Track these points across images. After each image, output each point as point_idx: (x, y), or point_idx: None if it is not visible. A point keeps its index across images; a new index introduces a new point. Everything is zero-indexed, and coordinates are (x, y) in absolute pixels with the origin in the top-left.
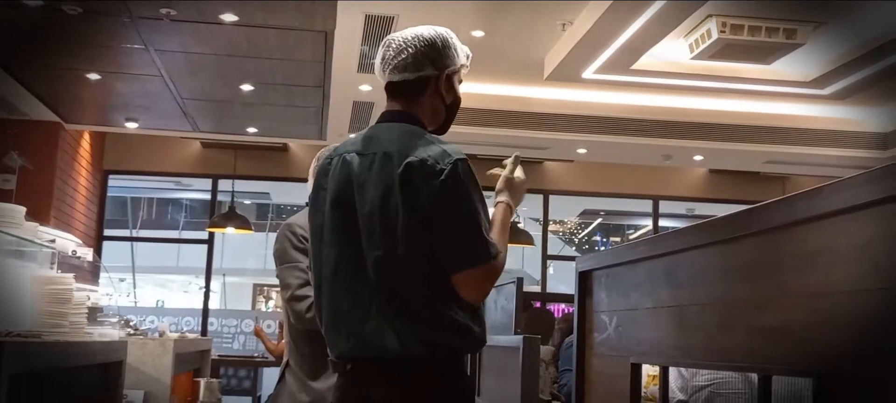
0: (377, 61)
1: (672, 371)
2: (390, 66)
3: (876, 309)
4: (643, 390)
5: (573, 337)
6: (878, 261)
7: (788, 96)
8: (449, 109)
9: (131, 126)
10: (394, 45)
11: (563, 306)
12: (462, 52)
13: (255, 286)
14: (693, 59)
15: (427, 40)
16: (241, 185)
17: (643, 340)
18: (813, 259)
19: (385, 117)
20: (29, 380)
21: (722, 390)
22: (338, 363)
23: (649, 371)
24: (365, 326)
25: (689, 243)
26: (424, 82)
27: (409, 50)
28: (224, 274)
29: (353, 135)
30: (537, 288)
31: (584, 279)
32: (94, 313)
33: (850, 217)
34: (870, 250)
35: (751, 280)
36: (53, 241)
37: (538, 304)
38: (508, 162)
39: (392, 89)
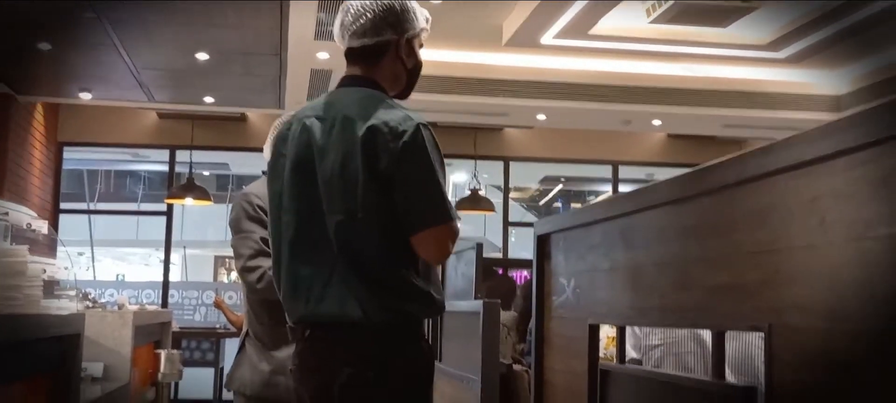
0: (336, 26)
1: (627, 331)
2: (349, 32)
3: (822, 263)
4: (603, 351)
5: None
6: (824, 217)
7: (745, 60)
8: (410, 74)
9: (85, 97)
10: (352, 10)
11: (524, 273)
12: (421, 16)
13: (217, 258)
14: (651, 23)
15: (386, 5)
16: (200, 156)
17: (600, 301)
18: (764, 216)
19: (345, 82)
20: None
21: (674, 349)
22: (296, 329)
23: (608, 332)
24: (325, 292)
25: (643, 204)
26: (384, 47)
27: (368, 15)
28: (184, 247)
29: (311, 101)
30: (499, 255)
31: (543, 242)
32: (51, 286)
33: (800, 173)
34: (817, 205)
35: (705, 238)
36: (7, 214)
37: (501, 271)
38: None
39: (352, 55)
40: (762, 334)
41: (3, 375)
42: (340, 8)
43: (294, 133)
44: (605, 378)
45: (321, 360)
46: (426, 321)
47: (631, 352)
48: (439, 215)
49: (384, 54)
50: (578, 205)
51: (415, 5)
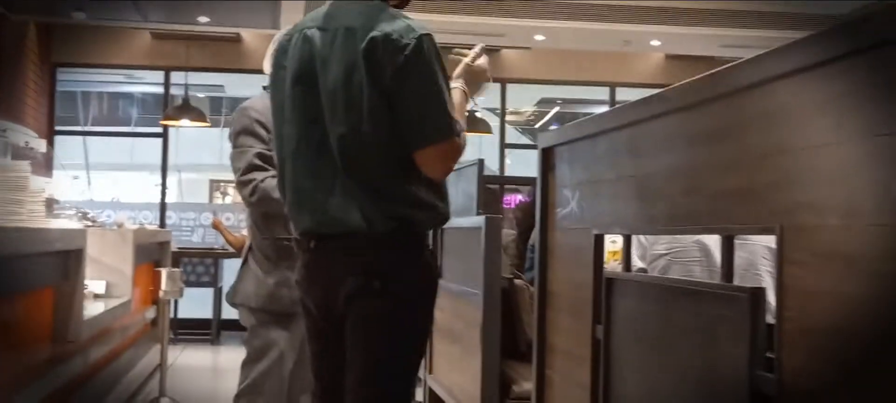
0: None
1: (632, 241)
2: None
3: (835, 163)
4: (604, 265)
5: None
6: (840, 118)
7: None
8: None
9: (79, 16)
10: None
11: (519, 196)
12: None
13: (212, 181)
14: None
15: None
16: (195, 78)
17: (606, 211)
18: (776, 118)
19: None
20: None
21: (679, 258)
22: (301, 240)
23: (609, 248)
24: (329, 203)
25: (651, 112)
26: None
27: None
28: (180, 171)
29: (312, 12)
30: (495, 174)
31: (547, 155)
32: (51, 204)
33: (815, 73)
34: (832, 106)
35: (715, 143)
36: (5, 132)
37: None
38: (473, 50)
39: None
40: (768, 243)
41: (8, 287)
42: None
43: (295, 44)
44: (610, 286)
45: (326, 270)
46: (430, 231)
47: (636, 262)
48: (443, 130)
49: None
50: None
51: None
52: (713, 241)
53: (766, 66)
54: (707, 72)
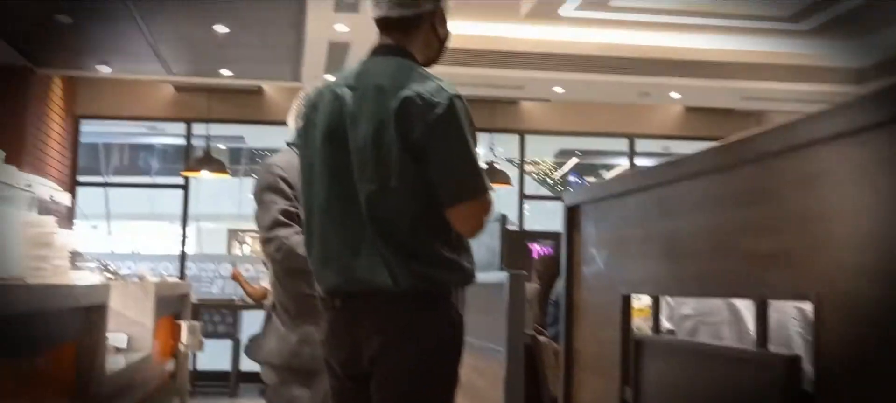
0: None
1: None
2: (388, 2)
3: (877, 228)
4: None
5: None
6: (879, 183)
7: (766, 31)
8: (441, 43)
9: (104, 70)
10: None
11: (537, 247)
12: None
13: (230, 231)
14: None
15: None
16: (216, 129)
17: (634, 271)
18: (813, 181)
19: (377, 51)
20: (12, 324)
21: (707, 320)
22: (327, 298)
23: (635, 305)
24: (356, 261)
25: (682, 173)
26: (421, 17)
27: None
28: (198, 220)
29: (343, 69)
30: (515, 228)
31: (573, 213)
32: (74, 258)
33: (854, 139)
34: (872, 170)
35: (748, 206)
36: (30, 186)
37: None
38: None
39: (387, 24)
40: (799, 304)
41: (32, 344)
42: None
43: (325, 101)
44: (639, 348)
45: (352, 329)
46: (456, 290)
47: (664, 323)
48: (474, 189)
49: (421, 24)
50: (593, 179)
51: None
52: (743, 303)
53: (802, 131)
54: (740, 136)
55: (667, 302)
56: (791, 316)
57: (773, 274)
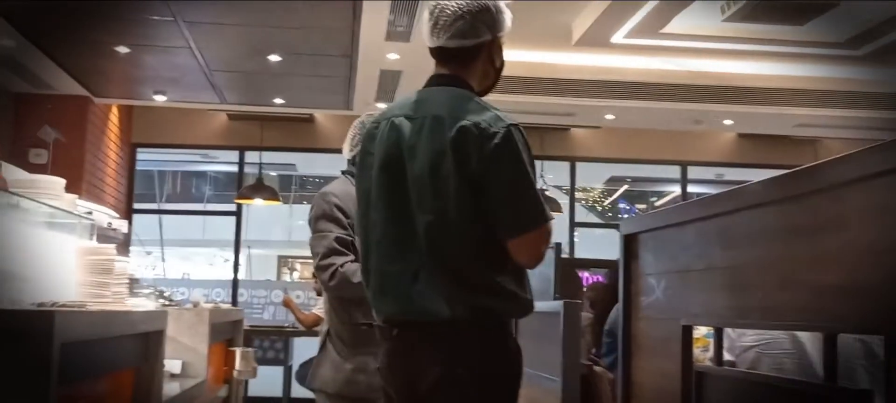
0: (426, 25)
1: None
2: (447, 33)
3: None
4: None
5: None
6: None
7: (821, 58)
8: (497, 72)
9: (160, 99)
10: (449, 11)
11: (585, 274)
12: (508, 15)
13: (280, 257)
14: (724, 21)
15: (482, 5)
16: (267, 157)
17: (695, 302)
18: (882, 214)
19: (434, 81)
20: (75, 350)
21: (769, 350)
22: (384, 328)
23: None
24: (413, 291)
25: (745, 203)
26: (479, 47)
27: (467, 16)
28: (249, 247)
29: (399, 99)
30: (566, 256)
31: (630, 242)
32: (131, 284)
33: None
34: None
35: (814, 237)
36: (90, 213)
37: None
38: None
39: (445, 54)
40: (863, 337)
41: (94, 369)
42: (429, 7)
43: (382, 131)
44: (700, 380)
45: (409, 359)
46: (513, 320)
47: (724, 354)
48: (534, 219)
49: (478, 55)
50: (643, 207)
51: (503, 4)
52: (806, 334)
53: (871, 160)
54: (805, 166)
55: (727, 332)
56: (854, 349)
57: (841, 307)
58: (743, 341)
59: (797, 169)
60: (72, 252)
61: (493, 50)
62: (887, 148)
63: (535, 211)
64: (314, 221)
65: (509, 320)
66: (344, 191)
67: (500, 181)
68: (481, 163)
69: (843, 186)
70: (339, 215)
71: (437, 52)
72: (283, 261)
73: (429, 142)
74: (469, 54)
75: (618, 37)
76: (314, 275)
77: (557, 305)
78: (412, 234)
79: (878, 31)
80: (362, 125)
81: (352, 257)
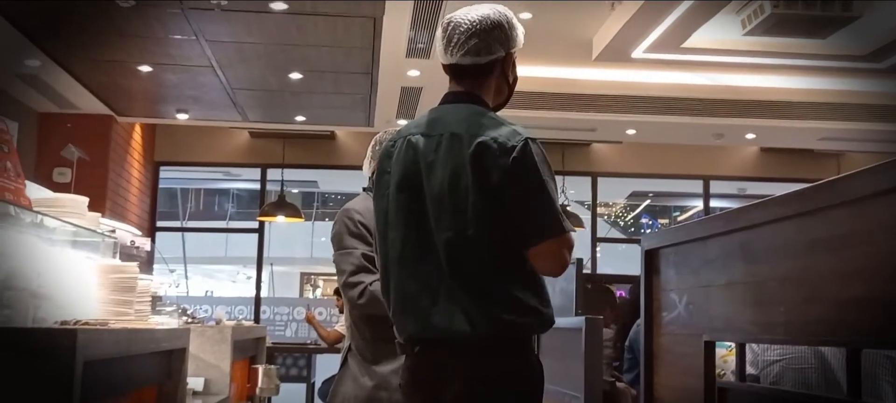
0: (440, 43)
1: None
2: (461, 50)
3: None
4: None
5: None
6: None
7: (844, 71)
8: (511, 88)
9: (182, 117)
10: (462, 28)
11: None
12: (521, 30)
13: (303, 274)
14: (745, 35)
15: (495, 22)
16: (289, 174)
17: (717, 317)
18: None
19: (449, 98)
20: (97, 368)
21: (793, 364)
22: (406, 345)
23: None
24: (434, 308)
25: (767, 217)
26: (493, 64)
27: (480, 33)
28: (271, 263)
29: (415, 117)
30: (588, 272)
31: (651, 257)
32: (154, 302)
33: None
34: None
35: (836, 251)
36: (114, 232)
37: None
38: None
39: (459, 71)
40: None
41: (117, 386)
42: (444, 24)
43: (399, 150)
44: (723, 396)
45: (431, 376)
46: (535, 336)
47: (747, 368)
48: (554, 227)
49: (493, 71)
50: (665, 221)
51: (516, 20)
52: (831, 349)
53: (892, 174)
54: (827, 179)
55: (751, 346)
56: (880, 364)
57: (864, 321)
58: (767, 355)
59: (819, 182)
60: (95, 270)
61: (506, 66)
62: None
63: (554, 219)
64: (338, 238)
65: (530, 336)
66: (366, 207)
67: (520, 192)
68: (501, 178)
69: (866, 200)
70: (364, 231)
71: (451, 69)
72: (306, 278)
73: (447, 160)
74: (483, 71)
75: (638, 51)
76: (336, 292)
77: (579, 321)
78: (432, 252)
79: None
80: (380, 142)
81: (378, 275)
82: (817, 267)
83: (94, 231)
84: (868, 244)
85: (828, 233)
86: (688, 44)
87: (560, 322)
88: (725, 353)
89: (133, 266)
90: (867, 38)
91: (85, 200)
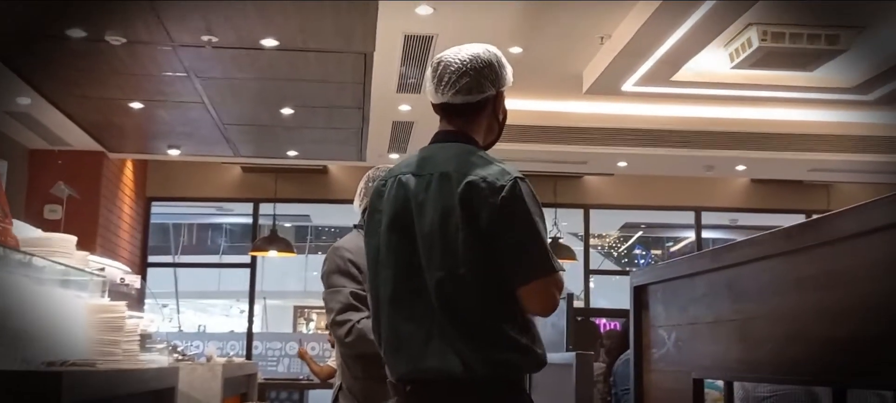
0: (431, 82)
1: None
2: (452, 89)
3: None
4: None
5: (630, 354)
6: None
7: (832, 103)
8: (501, 126)
9: (174, 153)
10: (454, 68)
11: (603, 321)
12: (510, 70)
13: (296, 308)
14: (733, 68)
15: (486, 61)
16: (282, 208)
17: (705, 354)
18: (892, 266)
19: (439, 137)
20: None
21: (784, 400)
22: (397, 385)
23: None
24: (426, 348)
25: (753, 255)
26: (485, 102)
27: (471, 72)
28: (265, 298)
29: (405, 156)
30: (580, 304)
31: (640, 293)
32: (144, 340)
33: None
34: None
35: (823, 290)
36: (103, 270)
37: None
38: None
39: (450, 110)
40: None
41: None
42: (433, 63)
43: (390, 189)
44: None
45: None
46: (527, 375)
47: None
48: (544, 267)
49: (483, 109)
50: (658, 252)
51: (504, 59)
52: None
53: (877, 213)
54: (813, 218)
55: (742, 383)
56: (869, 401)
57: (851, 361)
58: (758, 391)
59: (805, 221)
60: (83, 309)
61: (497, 104)
62: (889, 201)
63: (543, 259)
64: (327, 276)
65: (523, 375)
66: (356, 245)
67: (510, 231)
68: (490, 217)
69: (852, 238)
70: (353, 270)
71: (442, 108)
72: (300, 311)
73: (437, 199)
74: (474, 109)
75: (628, 85)
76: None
77: (570, 357)
78: (423, 291)
79: (888, 75)
80: (371, 179)
81: (367, 313)
82: (803, 305)
83: (83, 270)
84: (854, 283)
85: (814, 272)
86: (677, 77)
87: (551, 357)
88: (717, 397)
89: (121, 305)
90: (854, 70)
91: (73, 239)
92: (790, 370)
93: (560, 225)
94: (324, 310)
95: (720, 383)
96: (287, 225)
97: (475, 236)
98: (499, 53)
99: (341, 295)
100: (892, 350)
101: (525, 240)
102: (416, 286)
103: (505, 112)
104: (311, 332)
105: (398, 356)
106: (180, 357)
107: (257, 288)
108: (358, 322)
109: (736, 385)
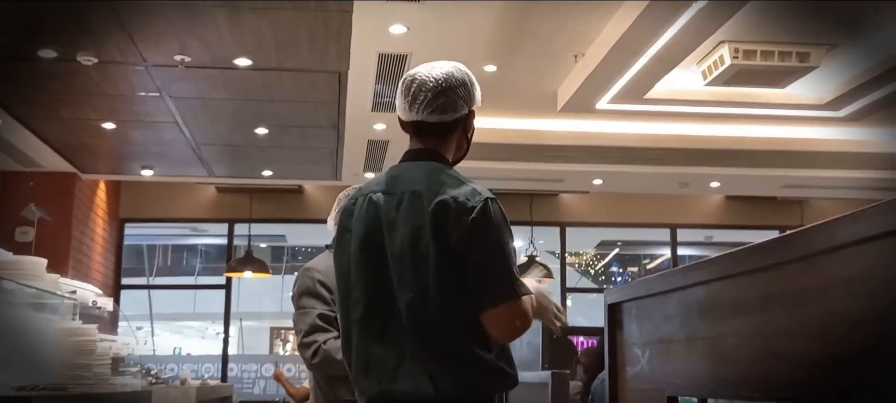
0: (404, 100)
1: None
2: (428, 108)
3: None
4: None
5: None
6: None
7: (804, 119)
8: (469, 142)
9: (147, 173)
10: (429, 86)
11: (580, 338)
12: (479, 89)
13: (272, 329)
14: (707, 85)
15: (460, 80)
16: (257, 228)
17: (678, 372)
18: (861, 283)
19: (409, 156)
20: None
21: None
22: None
23: None
24: (398, 370)
25: (723, 272)
26: (457, 121)
27: (448, 92)
28: (241, 319)
29: (376, 175)
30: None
31: (614, 311)
32: (117, 363)
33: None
34: None
35: (793, 307)
36: (74, 293)
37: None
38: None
39: (423, 128)
40: None
41: None
42: (407, 81)
43: (360, 208)
44: None
45: None
46: (499, 396)
47: None
48: (508, 290)
49: (456, 128)
50: (635, 270)
51: (474, 78)
52: None
53: (846, 229)
54: (783, 235)
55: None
56: None
57: (821, 379)
58: None
59: (775, 238)
60: (53, 333)
61: (468, 122)
62: (863, 217)
63: (508, 282)
64: (297, 297)
65: (493, 395)
66: (327, 266)
67: (477, 253)
68: (459, 237)
69: (821, 255)
70: (323, 291)
71: (413, 126)
72: (276, 333)
73: (408, 218)
74: (448, 128)
75: (602, 103)
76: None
77: (545, 376)
78: (394, 312)
79: (857, 92)
80: (346, 198)
81: (335, 333)
82: (774, 322)
83: (54, 293)
84: (824, 300)
85: (783, 289)
86: (651, 94)
87: (526, 376)
88: None
89: (92, 328)
90: (825, 87)
91: (43, 262)
92: (762, 387)
93: (536, 243)
94: None
95: (694, 400)
96: (262, 245)
97: (445, 256)
98: (470, 73)
99: (309, 317)
100: (864, 368)
101: (490, 263)
102: (387, 306)
103: (473, 129)
104: (287, 353)
105: (368, 377)
106: (154, 381)
107: (233, 309)
108: (324, 343)
109: (709, 402)
